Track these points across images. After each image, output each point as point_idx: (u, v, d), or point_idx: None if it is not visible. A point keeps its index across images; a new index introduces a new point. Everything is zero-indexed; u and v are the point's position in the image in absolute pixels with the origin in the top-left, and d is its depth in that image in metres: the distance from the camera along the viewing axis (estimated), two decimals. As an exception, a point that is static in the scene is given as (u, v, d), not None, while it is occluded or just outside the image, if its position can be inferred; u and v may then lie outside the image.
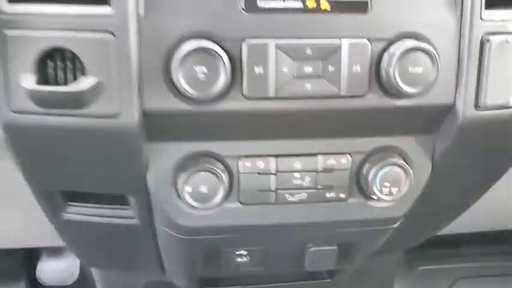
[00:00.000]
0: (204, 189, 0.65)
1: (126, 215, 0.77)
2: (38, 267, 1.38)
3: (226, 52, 0.58)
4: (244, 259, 0.84)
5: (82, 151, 0.64)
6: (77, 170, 0.68)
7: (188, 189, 0.65)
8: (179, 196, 0.67)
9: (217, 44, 0.58)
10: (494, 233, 1.26)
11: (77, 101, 0.58)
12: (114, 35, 0.57)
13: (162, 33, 0.58)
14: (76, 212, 0.77)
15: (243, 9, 0.59)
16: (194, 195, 0.65)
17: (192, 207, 0.66)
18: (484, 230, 1.21)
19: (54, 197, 0.74)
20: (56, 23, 0.57)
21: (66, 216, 0.77)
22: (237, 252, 0.82)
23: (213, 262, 0.83)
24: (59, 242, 0.90)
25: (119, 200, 0.75)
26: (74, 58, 0.58)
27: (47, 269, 1.38)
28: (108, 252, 0.92)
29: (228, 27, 0.59)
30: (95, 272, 1.12)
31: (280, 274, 0.96)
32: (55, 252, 1.38)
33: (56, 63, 0.58)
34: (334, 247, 0.83)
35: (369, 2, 0.61)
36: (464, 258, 1.42)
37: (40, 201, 0.75)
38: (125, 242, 0.86)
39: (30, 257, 1.38)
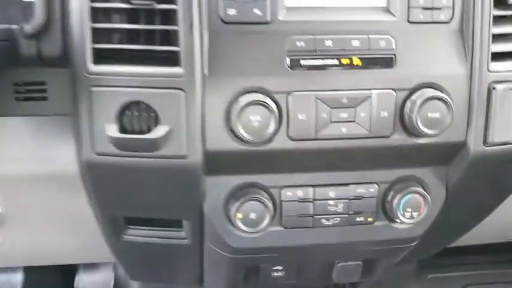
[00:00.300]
0: (253, 215, 0.77)
1: (179, 236, 0.88)
2: (76, 280, 1.49)
3: (275, 103, 0.70)
4: (280, 274, 0.95)
5: (151, 185, 0.76)
6: (143, 200, 0.79)
7: (239, 215, 0.77)
8: (231, 221, 0.78)
9: (268, 96, 0.70)
10: (500, 243, 1.36)
11: (152, 146, 0.69)
12: (184, 91, 0.69)
13: (223, 89, 0.70)
14: (134, 234, 0.88)
15: (288, 67, 0.71)
16: (244, 221, 0.77)
17: (243, 231, 0.77)
18: (490, 242, 1.31)
19: (117, 222, 0.86)
20: (135, 81, 0.68)
21: (126, 237, 0.88)
22: (274, 268, 0.94)
23: (252, 276, 0.95)
24: (96, 259, 1.01)
25: (173, 224, 0.86)
26: (148, 109, 0.70)
27: (85, 281, 1.49)
28: (155, 267, 1.03)
29: (276, 82, 0.70)
30: (133, 285, 1.23)
31: (309, 285, 1.07)
32: (91, 266, 1.50)
33: (133, 113, 0.70)
34: (360, 262, 0.94)
35: (394, 58, 0.72)
36: (472, 266, 1.52)
37: (104, 224, 0.86)
38: (172, 259, 0.97)
39: (69, 271, 1.49)
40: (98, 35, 0.69)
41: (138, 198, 0.79)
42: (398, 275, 1.33)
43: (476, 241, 1.26)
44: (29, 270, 1.39)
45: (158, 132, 0.68)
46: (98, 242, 0.93)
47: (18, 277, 1.39)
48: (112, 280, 1.52)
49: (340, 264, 0.93)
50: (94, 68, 0.69)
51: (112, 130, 0.68)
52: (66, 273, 1.51)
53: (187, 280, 1.07)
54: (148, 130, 0.69)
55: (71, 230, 0.94)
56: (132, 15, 0.70)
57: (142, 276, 1.11)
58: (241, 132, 0.69)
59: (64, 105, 0.80)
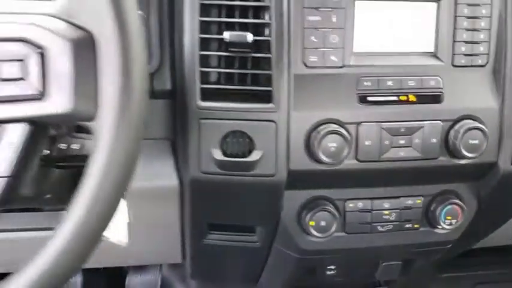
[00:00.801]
0: (323, 223, 0.93)
1: (251, 240, 1.03)
2: (127, 280, 1.64)
3: (347, 131, 0.86)
4: (332, 272, 1.11)
5: (241, 198, 0.92)
6: (232, 209, 0.95)
7: (312, 223, 0.93)
8: (302, 227, 0.95)
9: (342, 127, 0.86)
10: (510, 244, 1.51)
11: (249, 167, 0.85)
12: (275, 123, 0.85)
13: (305, 121, 0.85)
14: (214, 238, 1.03)
15: (358, 102, 0.87)
16: (316, 227, 0.93)
17: (314, 236, 0.93)
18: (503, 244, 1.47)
19: (202, 227, 1.01)
20: (235, 115, 0.84)
21: (206, 241, 1.04)
22: (328, 267, 1.10)
23: (308, 274, 1.11)
24: (145, 261, 1.14)
25: (246, 229, 1.02)
26: (245, 136, 0.85)
27: (135, 282, 1.64)
28: (221, 267, 1.19)
29: (348, 115, 0.86)
30: (191, 284, 1.38)
31: (353, 283, 1.24)
32: (140, 268, 1.64)
33: (232, 140, 0.86)
34: (400, 262, 1.10)
35: (441, 95, 0.89)
36: (483, 267, 1.67)
37: (190, 230, 1.01)
38: (238, 259, 1.13)
39: (120, 272, 1.64)
40: (204, 76, 0.85)
41: (228, 208, 0.95)
42: (417, 274, 1.49)
43: (490, 244, 1.43)
44: (86, 272, 1.54)
45: (254, 156, 0.84)
46: (161, 244, 1.08)
47: (78, 279, 1.53)
48: (159, 281, 1.67)
49: (384, 264, 1.10)
50: (202, 103, 0.84)
51: (217, 154, 0.84)
52: (117, 275, 1.65)
53: (245, 278, 1.23)
54: (244, 154, 0.86)
55: (147, 234, 1.10)
56: (229, 59, 0.86)
57: (206, 275, 1.26)
58: (321, 155, 0.85)
59: (160, 130, 0.96)
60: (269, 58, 0.84)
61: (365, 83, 0.87)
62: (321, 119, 0.86)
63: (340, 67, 0.87)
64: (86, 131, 0.71)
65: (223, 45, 0.85)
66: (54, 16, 0.53)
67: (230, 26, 0.85)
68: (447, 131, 0.89)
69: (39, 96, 0.52)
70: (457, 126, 0.89)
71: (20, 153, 0.53)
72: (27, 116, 0.53)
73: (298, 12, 0.85)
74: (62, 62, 0.52)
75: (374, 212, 0.95)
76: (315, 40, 0.85)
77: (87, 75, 0.52)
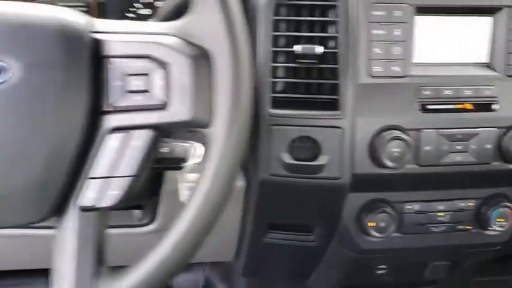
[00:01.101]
0: (382, 224, 0.98)
1: (309, 239, 1.09)
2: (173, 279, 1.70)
3: (409, 137, 0.92)
4: (382, 271, 1.17)
5: (306, 199, 0.98)
6: (294, 210, 1.01)
7: (372, 224, 0.98)
8: (361, 228, 1.00)
9: (404, 133, 0.92)
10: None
11: (316, 170, 0.91)
12: (341, 129, 0.91)
13: (369, 127, 0.91)
14: (273, 237, 1.09)
15: (418, 110, 0.93)
16: (376, 228, 0.98)
17: (374, 236, 0.99)
18: None
19: (263, 227, 1.07)
20: (304, 121, 0.90)
21: (265, 240, 1.10)
22: (379, 266, 1.15)
23: (358, 273, 1.16)
24: (196, 259, 1.20)
25: (306, 228, 1.08)
26: (312, 141, 0.91)
27: (181, 280, 1.70)
28: (273, 265, 1.24)
29: (410, 122, 0.92)
30: (240, 281, 1.44)
31: (401, 282, 1.29)
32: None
33: (299, 144, 0.92)
34: (448, 262, 1.15)
35: (496, 104, 0.94)
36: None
37: (252, 228, 1.07)
38: (293, 258, 1.19)
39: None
40: (273, 86, 0.91)
41: (291, 208, 1.01)
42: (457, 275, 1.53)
43: None
44: None
45: (322, 160, 0.90)
46: (216, 242, 1.14)
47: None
48: (203, 280, 1.74)
49: (433, 263, 1.15)
50: (273, 111, 0.91)
51: (287, 157, 0.90)
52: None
53: (295, 276, 1.28)
54: (311, 158, 0.92)
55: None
56: (295, 70, 0.92)
57: (257, 272, 1.32)
58: (385, 160, 0.90)
59: None
60: (336, 69, 0.90)
61: (425, 92, 0.93)
62: (384, 125, 0.91)
63: (402, 77, 0.93)
64: (174, 136, 0.78)
65: (291, 56, 0.91)
66: (174, 35, 0.60)
67: (297, 39, 0.91)
68: (501, 137, 0.95)
69: (163, 106, 0.59)
70: (510, 133, 0.94)
71: (144, 156, 0.60)
72: (152, 123, 0.59)
73: (363, 26, 0.91)
74: (182, 75, 0.59)
75: (429, 213, 1.01)
76: (379, 52, 0.91)
77: (203, 88, 0.59)
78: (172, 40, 0.60)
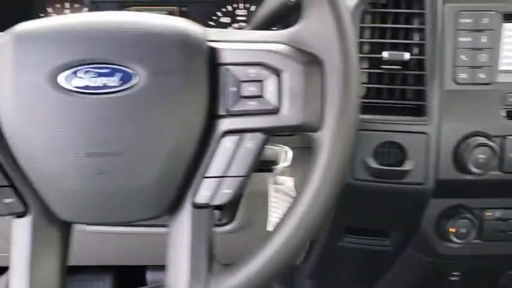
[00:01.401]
0: (463, 230, 0.98)
1: (384, 244, 1.10)
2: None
3: (495, 143, 0.92)
4: (455, 278, 1.16)
5: (387, 204, 0.99)
6: (374, 214, 1.02)
7: (452, 230, 0.99)
8: (441, 234, 1.01)
9: (489, 139, 0.92)
10: None
11: (401, 175, 0.92)
12: (427, 134, 0.92)
13: (454, 133, 0.92)
14: (348, 241, 1.11)
15: (504, 117, 0.93)
16: (456, 234, 0.99)
17: (454, 242, 0.99)
18: None
19: (339, 231, 1.09)
20: (390, 126, 0.92)
21: (341, 244, 1.11)
22: (453, 273, 1.15)
23: (431, 280, 1.16)
24: None
25: (382, 233, 1.09)
26: (397, 146, 0.93)
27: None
28: (342, 269, 1.26)
29: (495, 128, 0.92)
30: (305, 284, 1.46)
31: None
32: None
33: (384, 149, 0.93)
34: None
35: None
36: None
37: (329, 232, 1.09)
38: (366, 262, 1.20)
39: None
40: None
41: (370, 213, 1.02)
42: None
43: None
44: None
45: (407, 165, 0.92)
46: None
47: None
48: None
49: (509, 272, 1.14)
50: (360, 116, 0.93)
51: (372, 162, 0.92)
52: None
53: (363, 280, 1.29)
54: (396, 163, 0.93)
55: None
56: (379, 76, 0.94)
57: (323, 276, 1.34)
58: (470, 166, 0.91)
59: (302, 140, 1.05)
60: (423, 75, 0.91)
61: (510, 99, 0.93)
62: (470, 131, 0.92)
63: (488, 84, 0.93)
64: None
65: (374, 63, 0.93)
66: (285, 43, 0.63)
67: (381, 45, 0.93)
68: None
69: (275, 111, 0.62)
70: None
71: (254, 157, 0.62)
72: (264, 126, 0.62)
73: (450, 33, 0.92)
74: (294, 81, 0.61)
75: (510, 220, 1.00)
76: (465, 59, 0.92)
77: (313, 93, 0.61)
78: (284, 47, 0.62)
